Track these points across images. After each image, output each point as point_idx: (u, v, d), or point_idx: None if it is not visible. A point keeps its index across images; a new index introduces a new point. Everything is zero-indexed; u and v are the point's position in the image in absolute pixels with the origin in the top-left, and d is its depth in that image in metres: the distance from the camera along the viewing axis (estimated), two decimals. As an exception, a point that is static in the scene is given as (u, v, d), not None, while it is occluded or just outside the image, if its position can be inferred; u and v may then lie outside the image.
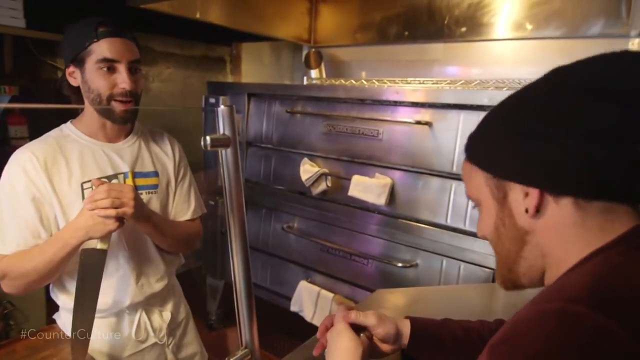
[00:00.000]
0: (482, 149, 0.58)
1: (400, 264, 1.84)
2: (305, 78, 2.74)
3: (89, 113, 1.06)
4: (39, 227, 0.99)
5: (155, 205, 1.14)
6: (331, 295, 2.02)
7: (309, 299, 2.09)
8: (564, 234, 0.51)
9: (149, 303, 1.15)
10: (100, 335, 1.08)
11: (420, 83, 2.18)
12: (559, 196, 0.50)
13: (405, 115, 1.82)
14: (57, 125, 1.10)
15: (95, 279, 0.93)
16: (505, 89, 1.92)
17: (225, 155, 0.71)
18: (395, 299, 1.21)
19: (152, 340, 1.15)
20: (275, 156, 2.25)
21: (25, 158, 0.99)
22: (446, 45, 2.38)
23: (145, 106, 1.37)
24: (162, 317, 1.18)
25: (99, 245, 0.93)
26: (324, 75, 2.72)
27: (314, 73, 2.70)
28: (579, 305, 0.40)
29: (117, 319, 1.11)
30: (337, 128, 2.01)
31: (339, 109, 2.02)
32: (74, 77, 1.03)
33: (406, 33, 2.45)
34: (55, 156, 1.01)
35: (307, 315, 2.09)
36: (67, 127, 1.09)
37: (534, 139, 0.50)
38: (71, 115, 1.13)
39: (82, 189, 1.02)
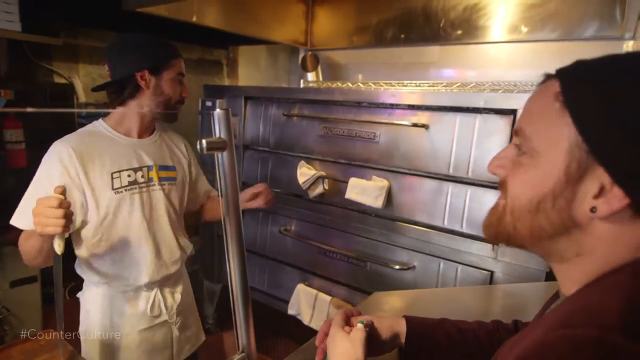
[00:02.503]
0: (597, 105, 0.42)
1: (397, 267, 1.84)
2: (301, 81, 2.74)
3: (130, 113, 1.24)
4: None
5: (174, 195, 1.33)
6: (329, 298, 2.01)
7: (307, 302, 2.08)
8: (620, 250, 0.44)
9: (164, 284, 1.31)
10: (119, 308, 1.25)
11: (416, 86, 2.19)
12: None
13: (402, 117, 1.82)
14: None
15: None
16: (501, 91, 1.93)
17: (222, 158, 0.70)
18: (392, 301, 1.21)
19: (164, 317, 1.31)
20: (272, 159, 2.25)
21: (63, 149, 1.14)
22: (442, 48, 2.39)
23: (142, 109, 1.42)
24: (174, 297, 1.34)
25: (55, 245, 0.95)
26: (321, 78, 2.73)
27: (310, 76, 2.71)
28: (616, 334, 0.37)
29: (135, 294, 1.26)
30: (333, 131, 2.01)
31: (335, 112, 2.02)
32: (145, 80, 1.21)
33: (402, 36, 2.46)
34: (89, 148, 1.17)
35: (305, 319, 2.09)
36: (100, 124, 1.25)
37: None
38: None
39: (112, 179, 1.18)
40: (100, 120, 1.26)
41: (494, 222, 0.53)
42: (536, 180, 0.47)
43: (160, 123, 1.37)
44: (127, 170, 1.21)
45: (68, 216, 0.92)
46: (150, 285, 1.27)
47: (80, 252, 1.22)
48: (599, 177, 0.42)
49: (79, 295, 1.32)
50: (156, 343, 1.31)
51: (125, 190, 1.21)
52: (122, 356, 1.26)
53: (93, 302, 1.26)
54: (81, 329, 1.29)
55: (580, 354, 0.37)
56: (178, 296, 1.35)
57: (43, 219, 0.90)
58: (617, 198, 0.42)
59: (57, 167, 1.12)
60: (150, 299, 1.27)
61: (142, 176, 1.24)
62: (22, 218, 1.13)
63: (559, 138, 0.44)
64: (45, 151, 1.19)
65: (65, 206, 0.91)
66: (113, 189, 1.18)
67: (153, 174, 1.27)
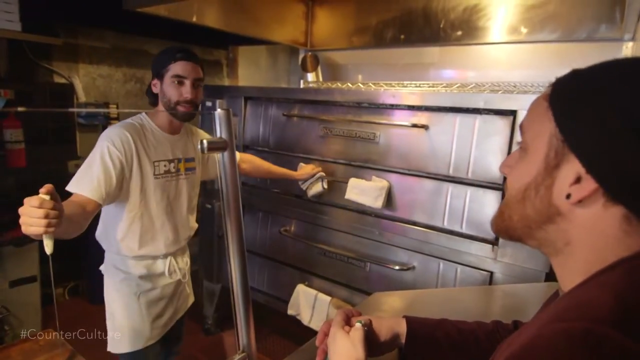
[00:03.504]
0: (570, 102, 0.48)
1: (397, 267, 1.84)
2: (301, 81, 2.74)
3: (161, 112, 1.44)
4: (105, 186, 1.26)
5: (193, 182, 1.57)
6: (328, 298, 2.02)
7: (306, 303, 2.08)
8: (599, 239, 0.47)
9: (176, 253, 1.55)
10: (144, 270, 1.46)
11: (416, 86, 2.19)
12: (614, 202, 0.45)
13: (402, 118, 1.83)
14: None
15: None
16: (500, 92, 1.94)
17: (223, 158, 0.71)
18: (392, 301, 1.21)
19: (178, 276, 1.55)
20: (271, 159, 2.25)
21: (122, 132, 1.34)
22: (442, 49, 2.39)
23: (142, 110, 1.46)
24: (184, 261, 1.60)
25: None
26: (321, 79, 2.73)
27: (310, 76, 2.71)
28: (605, 326, 0.38)
29: (154, 261, 1.49)
30: (333, 131, 2.01)
31: (335, 112, 2.02)
32: (155, 86, 1.43)
33: (402, 36, 2.46)
34: (141, 137, 1.38)
35: (305, 319, 2.09)
36: (144, 117, 1.45)
37: (636, 137, 0.43)
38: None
39: (154, 166, 1.40)
40: (143, 114, 1.46)
41: (498, 217, 0.57)
42: (524, 171, 0.51)
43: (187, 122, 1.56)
44: (164, 160, 1.44)
45: (51, 216, 0.90)
46: (165, 255, 1.51)
47: (112, 224, 1.41)
48: (575, 166, 0.46)
49: (101, 268, 1.50)
50: (172, 296, 1.56)
51: (162, 177, 1.43)
52: (147, 310, 1.48)
53: (114, 268, 1.45)
54: (106, 298, 1.48)
55: (570, 345, 0.38)
56: (187, 260, 1.62)
57: (26, 218, 0.90)
58: (588, 184, 0.45)
59: (117, 145, 1.30)
60: (167, 264, 1.51)
61: (174, 167, 1.47)
62: (74, 185, 1.26)
63: (543, 131, 0.49)
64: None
65: (47, 206, 0.90)
66: (154, 174, 1.40)
67: (181, 166, 1.50)
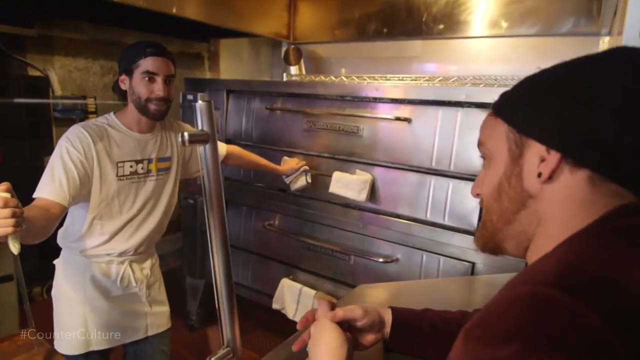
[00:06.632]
0: (513, 104, 0.56)
1: (381, 260, 1.85)
2: (284, 74, 2.73)
3: (130, 110, 1.37)
4: (68, 187, 1.21)
5: (169, 182, 1.48)
6: (313, 292, 2.02)
7: (291, 297, 2.08)
8: (567, 207, 0.50)
9: (136, 260, 1.45)
10: (96, 274, 1.39)
11: (399, 79, 2.20)
12: (578, 167, 0.48)
13: (385, 111, 1.83)
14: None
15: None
16: (482, 85, 1.96)
17: (204, 151, 0.69)
18: (377, 293, 1.22)
19: (133, 286, 1.45)
20: (255, 153, 2.23)
21: (82, 131, 1.29)
22: (424, 43, 2.41)
23: (122, 103, 1.42)
24: (144, 273, 1.48)
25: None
26: (304, 72, 2.71)
27: (293, 69, 2.69)
28: (548, 288, 0.41)
29: (107, 265, 1.41)
30: (317, 125, 2.01)
31: (319, 106, 2.02)
32: (124, 83, 1.35)
33: (385, 30, 2.47)
34: (103, 137, 1.32)
35: (290, 313, 2.09)
36: (111, 117, 1.39)
37: (575, 103, 0.48)
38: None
39: (117, 167, 1.33)
40: (112, 114, 1.40)
41: (481, 229, 0.61)
42: (494, 173, 0.57)
43: (168, 118, 1.48)
44: (130, 161, 1.36)
45: (17, 215, 0.88)
46: (123, 261, 1.42)
47: (72, 223, 1.36)
48: (536, 148, 0.51)
49: (55, 262, 1.45)
50: (126, 311, 1.45)
51: (127, 178, 1.36)
52: (91, 318, 1.39)
53: (67, 266, 1.41)
54: (53, 292, 1.42)
55: (516, 307, 0.41)
56: (147, 272, 1.50)
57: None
58: (552, 157, 0.50)
59: (76, 145, 1.26)
60: (120, 272, 1.41)
61: (142, 168, 1.40)
62: (37, 190, 1.22)
63: (499, 135, 0.56)
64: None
65: (12, 204, 0.87)
66: (118, 176, 1.34)
67: (152, 166, 1.42)
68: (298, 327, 0.76)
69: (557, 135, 0.49)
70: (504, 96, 0.59)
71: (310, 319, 0.74)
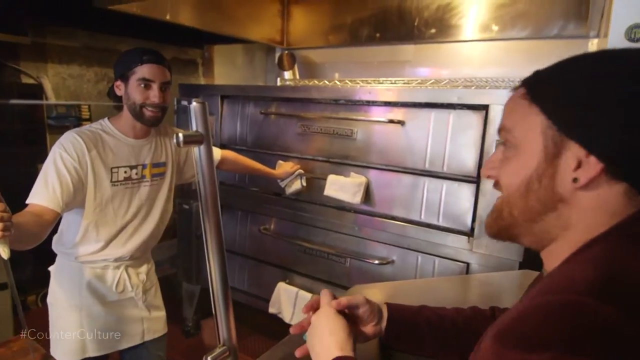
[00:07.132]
0: (555, 94, 0.50)
1: (377, 262, 1.86)
2: (278, 79, 2.74)
3: (125, 116, 1.38)
4: (61, 194, 1.21)
5: (164, 187, 1.48)
6: (310, 295, 2.02)
7: (288, 300, 2.08)
8: (597, 216, 0.48)
9: (132, 265, 1.45)
10: (92, 279, 1.39)
11: (392, 83, 2.22)
12: (617, 180, 0.47)
13: (379, 114, 1.85)
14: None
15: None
16: (473, 87, 1.98)
17: (199, 152, 0.70)
18: (372, 294, 1.22)
19: (129, 292, 1.44)
20: (250, 158, 2.24)
21: (76, 137, 1.29)
22: (417, 47, 2.43)
23: (115, 109, 1.42)
24: (140, 278, 1.48)
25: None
26: (297, 77, 2.73)
27: (287, 74, 2.71)
28: (583, 297, 0.40)
29: (103, 271, 1.40)
30: (311, 128, 2.02)
31: (313, 110, 2.03)
32: (119, 88, 1.36)
33: (377, 35, 2.49)
34: (97, 142, 1.32)
35: (286, 317, 2.09)
36: (105, 123, 1.39)
37: (630, 112, 0.45)
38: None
39: (111, 173, 1.34)
40: (106, 119, 1.40)
41: (494, 219, 0.58)
42: (521, 165, 0.53)
43: (163, 124, 1.48)
44: (124, 167, 1.37)
45: (5, 219, 0.88)
46: (119, 266, 1.42)
47: (67, 230, 1.36)
48: (575, 151, 0.48)
49: (50, 268, 1.44)
50: (122, 317, 1.44)
51: (121, 184, 1.36)
52: (87, 324, 1.39)
53: (63, 272, 1.41)
54: (49, 299, 1.42)
55: (549, 314, 0.41)
56: (143, 277, 1.49)
57: None
58: (592, 165, 0.47)
59: (70, 152, 1.26)
60: (116, 277, 1.41)
61: (136, 173, 1.40)
62: (30, 196, 1.22)
63: (533, 126, 0.51)
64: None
65: (0, 209, 0.87)
66: (111, 181, 1.34)
67: (146, 172, 1.42)
68: (303, 311, 0.76)
69: (602, 143, 0.46)
70: (541, 78, 0.53)
71: (315, 305, 0.75)
